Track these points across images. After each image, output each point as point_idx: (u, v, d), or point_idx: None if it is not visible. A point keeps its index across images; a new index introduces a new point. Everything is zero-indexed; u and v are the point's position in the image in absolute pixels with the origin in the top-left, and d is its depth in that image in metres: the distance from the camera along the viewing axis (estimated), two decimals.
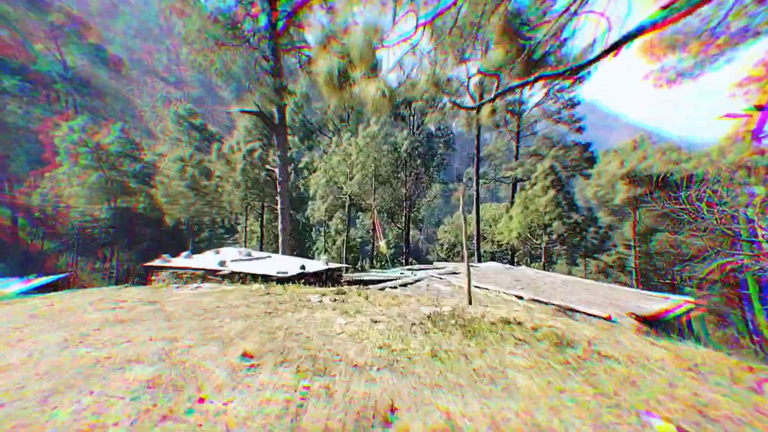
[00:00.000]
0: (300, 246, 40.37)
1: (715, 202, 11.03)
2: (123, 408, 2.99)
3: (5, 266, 40.46)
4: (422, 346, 4.53)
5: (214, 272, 10.94)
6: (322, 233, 40.01)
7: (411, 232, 39.75)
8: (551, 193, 25.96)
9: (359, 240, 44.94)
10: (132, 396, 3.14)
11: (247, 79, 21.34)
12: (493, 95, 5.74)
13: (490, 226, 37.73)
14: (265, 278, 10.04)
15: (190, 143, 43.58)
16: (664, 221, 24.13)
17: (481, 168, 41.40)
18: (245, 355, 3.96)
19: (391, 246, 36.30)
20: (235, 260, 12.28)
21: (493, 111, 6.36)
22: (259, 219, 38.80)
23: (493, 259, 36.14)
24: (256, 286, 7.83)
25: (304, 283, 10.00)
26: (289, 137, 39.08)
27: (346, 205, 31.83)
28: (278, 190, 23.76)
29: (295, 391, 3.39)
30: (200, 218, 38.22)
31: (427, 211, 41.98)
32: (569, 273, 32.37)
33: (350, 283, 13.18)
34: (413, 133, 35.88)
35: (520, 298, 8.55)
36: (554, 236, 26.66)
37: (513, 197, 34.28)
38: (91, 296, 6.62)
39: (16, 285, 14.44)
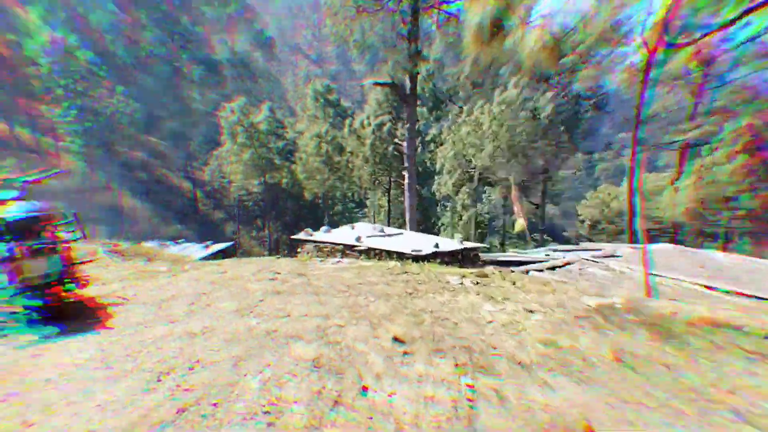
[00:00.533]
0: (425, 221, 40.53)
1: None
2: (298, 386, 3.04)
3: (191, 233, 48.92)
4: (596, 345, 3.80)
5: (351, 247, 11.33)
6: (449, 208, 39.41)
7: (546, 207, 36.83)
8: (742, 158, 20.99)
9: (487, 216, 43.30)
10: (302, 375, 3.18)
11: (383, 46, 21.77)
12: (724, 19, 4.30)
13: (647, 200, 32.79)
14: (400, 255, 10.09)
15: (325, 120, 45.97)
16: None
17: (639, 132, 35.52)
18: (396, 339, 3.80)
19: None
20: (370, 236, 12.65)
21: (696, 53, 4.88)
22: (387, 194, 39.84)
23: (632, 237, 31.74)
24: (392, 263, 7.75)
25: (439, 263, 9.78)
26: (418, 108, 38.80)
27: (475, 179, 30.62)
28: (405, 164, 23.80)
29: (459, 389, 3.06)
30: (333, 193, 40.70)
31: (565, 184, 38.34)
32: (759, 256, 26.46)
33: (487, 263, 12.50)
34: (557, 95, 32.29)
35: (711, 288, 6.92)
36: (741, 212, 21.77)
37: (681, 166, 29.02)
38: (253, 266, 7.40)
39: (199, 251, 17.27)
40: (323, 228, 14.27)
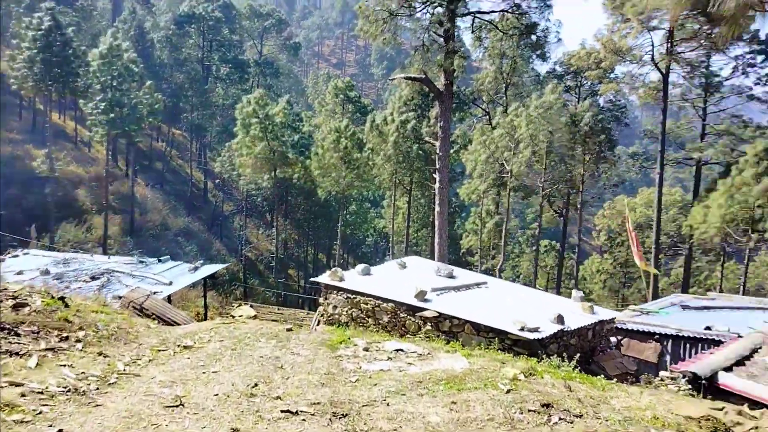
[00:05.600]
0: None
1: None
2: None
3: (199, 224, 47.61)
4: None
5: (411, 310, 7.56)
6: (473, 213, 37.72)
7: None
8: (765, 181, 20.95)
9: (530, 229, 41.69)
10: None
11: (415, 44, 21.16)
12: None
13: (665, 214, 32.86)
14: (499, 335, 6.71)
15: (344, 115, 44.84)
16: None
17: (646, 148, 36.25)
18: None
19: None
20: (438, 289, 8.47)
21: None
22: (407, 194, 38.20)
23: (658, 253, 28.76)
24: (508, 370, 4.58)
25: (569, 356, 6.30)
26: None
27: (508, 185, 28.89)
28: (437, 166, 22.18)
29: None
30: (349, 191, 39.14)
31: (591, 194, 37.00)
32: None
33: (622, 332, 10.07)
34: (593, 104, 32.61)
35: None
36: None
37: (697, 182, 30.50)
38: (239, 370, 4.31)
39: (183, 276, 13.36)
40: (359, 268, 9.59)
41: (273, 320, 11.37)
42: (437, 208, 21.88)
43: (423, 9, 20.96)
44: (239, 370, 4.33)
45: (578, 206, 33.30)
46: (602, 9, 26.57)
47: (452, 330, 7.22)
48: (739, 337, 7.90)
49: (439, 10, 20.98)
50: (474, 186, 31.67)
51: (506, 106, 32.08)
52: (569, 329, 7.33)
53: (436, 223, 22.01)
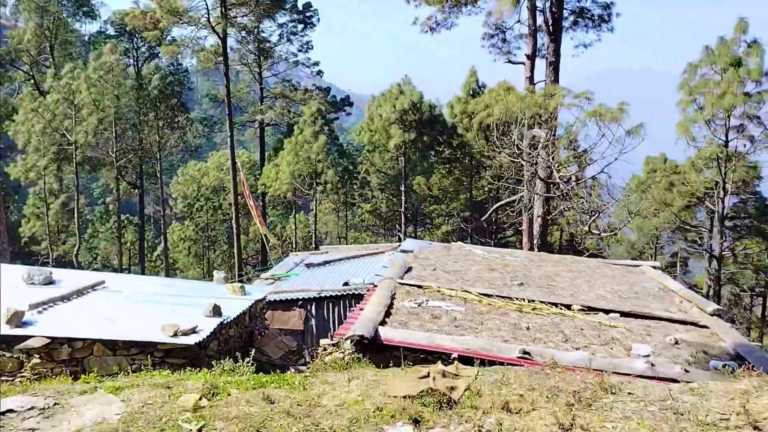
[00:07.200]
0: None
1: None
2: None
3: None
4: None
5: (3, 343, 5.11)
6: (33, 194, 30.63)
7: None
8: (322, 138, 25.70)
9: (98, 205, 36.04)
10: None
11: None
12: None
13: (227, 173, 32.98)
14: (145, 348, 5.23)
15: None
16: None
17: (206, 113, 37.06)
18: None
19: None
20: (39, 305, 5.96)
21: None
22: None
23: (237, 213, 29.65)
24: (186, 399, 3.44)
25: (226, 348, 5.61)
26: None
27: (74, 158, 24.98)
28: None
29: None
30: None
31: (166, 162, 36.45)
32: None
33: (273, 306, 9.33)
34: (137, 70, 30.91)
35: (568, 307, 6.93)
36: (329, 185, 26.66)
37: (263, 142, 33.57)
38: None
39: None
40: None
41: None
42: None
43: None
44: None
45: (157, 175, 31.81)
46: None
47: (75, 357, 5.26)
48: (375, 286, 7.69)
49: None
50: (31, 162, 25.89)
51: (56, 68, 27.25)
52: (229, 320, 6.46)
53: None
